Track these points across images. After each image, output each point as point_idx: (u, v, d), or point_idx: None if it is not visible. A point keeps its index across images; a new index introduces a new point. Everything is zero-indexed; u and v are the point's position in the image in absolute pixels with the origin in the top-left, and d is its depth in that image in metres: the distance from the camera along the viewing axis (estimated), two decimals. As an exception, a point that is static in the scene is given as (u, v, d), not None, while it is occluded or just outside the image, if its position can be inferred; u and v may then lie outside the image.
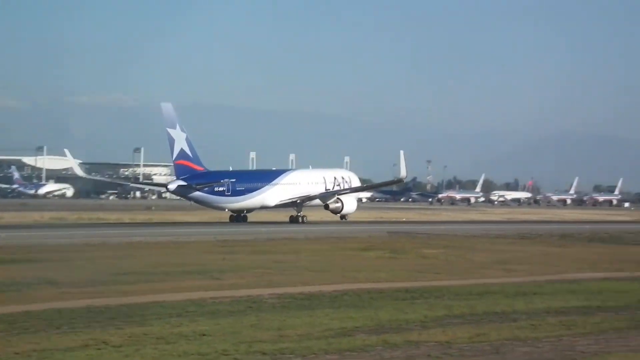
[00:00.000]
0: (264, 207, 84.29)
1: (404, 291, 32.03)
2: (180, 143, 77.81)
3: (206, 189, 79.00)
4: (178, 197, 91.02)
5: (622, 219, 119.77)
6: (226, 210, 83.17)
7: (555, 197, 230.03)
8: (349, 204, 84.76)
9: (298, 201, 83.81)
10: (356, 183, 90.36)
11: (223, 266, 40.08)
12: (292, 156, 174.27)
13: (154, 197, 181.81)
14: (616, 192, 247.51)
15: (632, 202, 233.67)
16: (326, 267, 40.72)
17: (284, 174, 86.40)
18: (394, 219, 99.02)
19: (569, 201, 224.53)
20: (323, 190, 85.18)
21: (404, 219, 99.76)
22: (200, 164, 79.61)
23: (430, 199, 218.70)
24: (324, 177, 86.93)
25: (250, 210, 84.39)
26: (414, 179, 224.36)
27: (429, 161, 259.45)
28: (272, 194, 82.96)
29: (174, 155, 78.33)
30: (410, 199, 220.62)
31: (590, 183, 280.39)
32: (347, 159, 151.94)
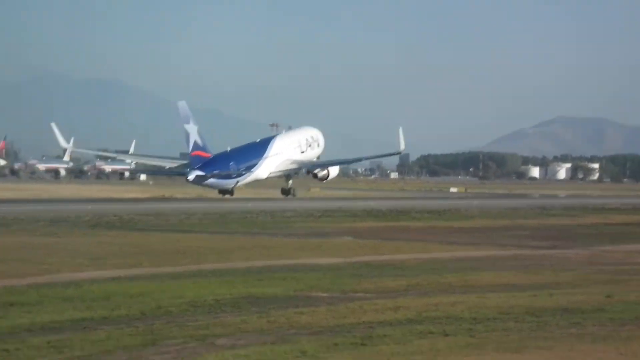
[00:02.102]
0: (257, 181, 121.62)
1: None
2: (194, 136, 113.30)
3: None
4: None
5: (134, 195, 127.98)
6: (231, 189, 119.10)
7: (42, 167, 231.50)
8: (334, 170, 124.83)
9: (291, 174, 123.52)
10: (322, 142, 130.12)
11: None
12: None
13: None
14: (130, 160, 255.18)
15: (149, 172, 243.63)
16: None
17: (270, 144, 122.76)
18: None
19: (63, 172, 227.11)
20: (300, 154, 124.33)
21: None
22: (208, 150, 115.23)
23: None
24: (299, 141, 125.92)
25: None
26: None
27: None
28: (264, 168, 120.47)
29: (190, 148, 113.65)
30: None
31: (88, 144, 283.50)
32: None
